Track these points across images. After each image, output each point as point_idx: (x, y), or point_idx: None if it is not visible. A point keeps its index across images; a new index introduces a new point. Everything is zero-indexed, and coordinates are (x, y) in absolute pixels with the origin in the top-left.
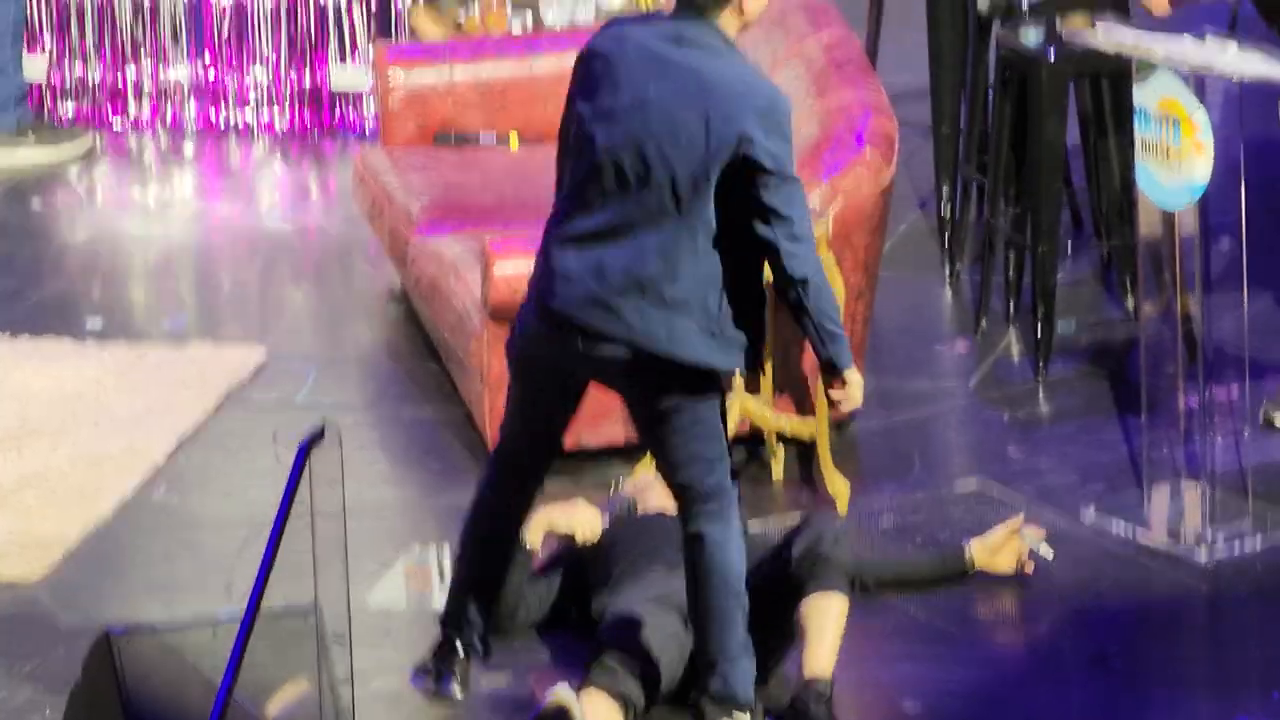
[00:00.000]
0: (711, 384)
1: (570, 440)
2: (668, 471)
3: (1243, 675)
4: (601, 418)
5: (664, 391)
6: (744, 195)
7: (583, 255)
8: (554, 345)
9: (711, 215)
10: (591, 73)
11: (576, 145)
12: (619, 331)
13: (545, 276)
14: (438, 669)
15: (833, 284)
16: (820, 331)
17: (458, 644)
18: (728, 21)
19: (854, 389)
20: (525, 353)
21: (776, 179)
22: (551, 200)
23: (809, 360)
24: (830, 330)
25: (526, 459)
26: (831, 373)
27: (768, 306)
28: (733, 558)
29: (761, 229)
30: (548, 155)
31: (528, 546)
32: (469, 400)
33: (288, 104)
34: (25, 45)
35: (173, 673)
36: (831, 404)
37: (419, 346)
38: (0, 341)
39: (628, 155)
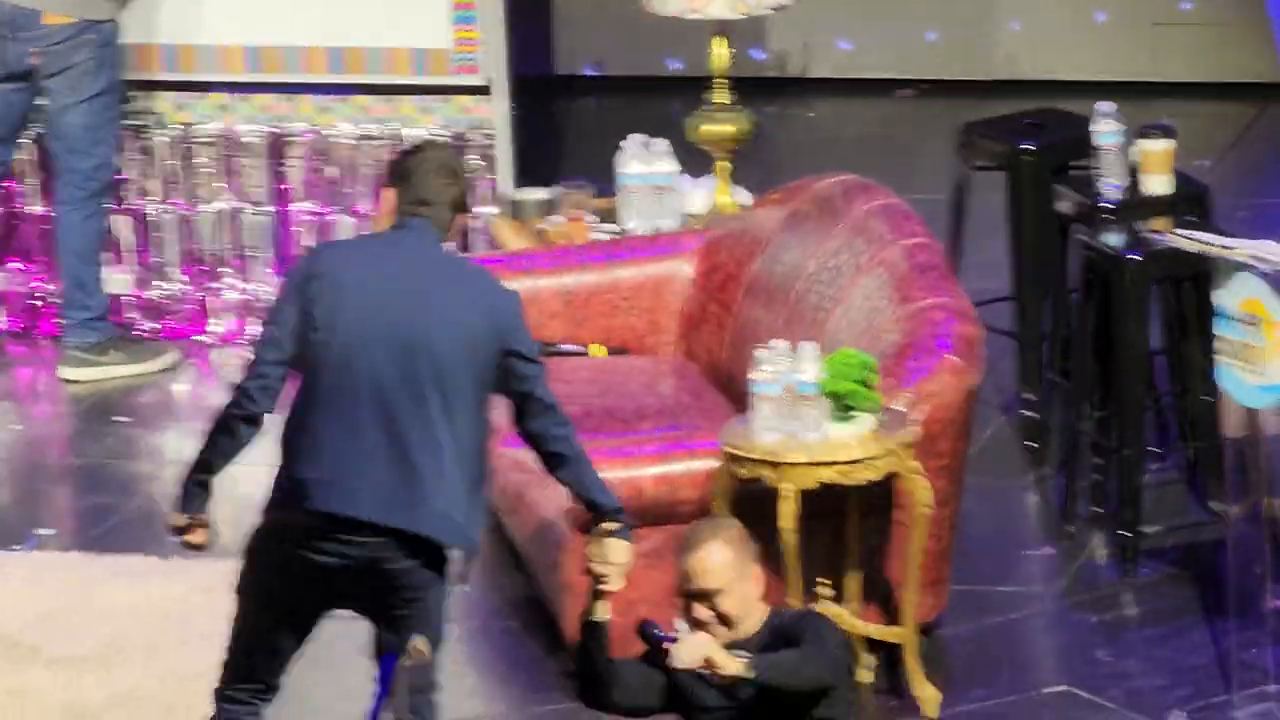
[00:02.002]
0: None
1: None
2: None
3: None
4: None
5: None
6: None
7: None
8: None
9: None
10: None
11: None
12: None
13: None
14: None
15: (917, 490)
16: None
17: None
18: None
19: (619, 548)
20: None
21: None
22: (637, 407)
23: (895, 567)
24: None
25: None
26: (607, 517)
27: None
28: None
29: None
30: (630, 364)
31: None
32: (555, 610)
33: None
34: (110, 259)
35: None
36: (597, 577)
37: (504, 556)
38: (87, 559)
39: None
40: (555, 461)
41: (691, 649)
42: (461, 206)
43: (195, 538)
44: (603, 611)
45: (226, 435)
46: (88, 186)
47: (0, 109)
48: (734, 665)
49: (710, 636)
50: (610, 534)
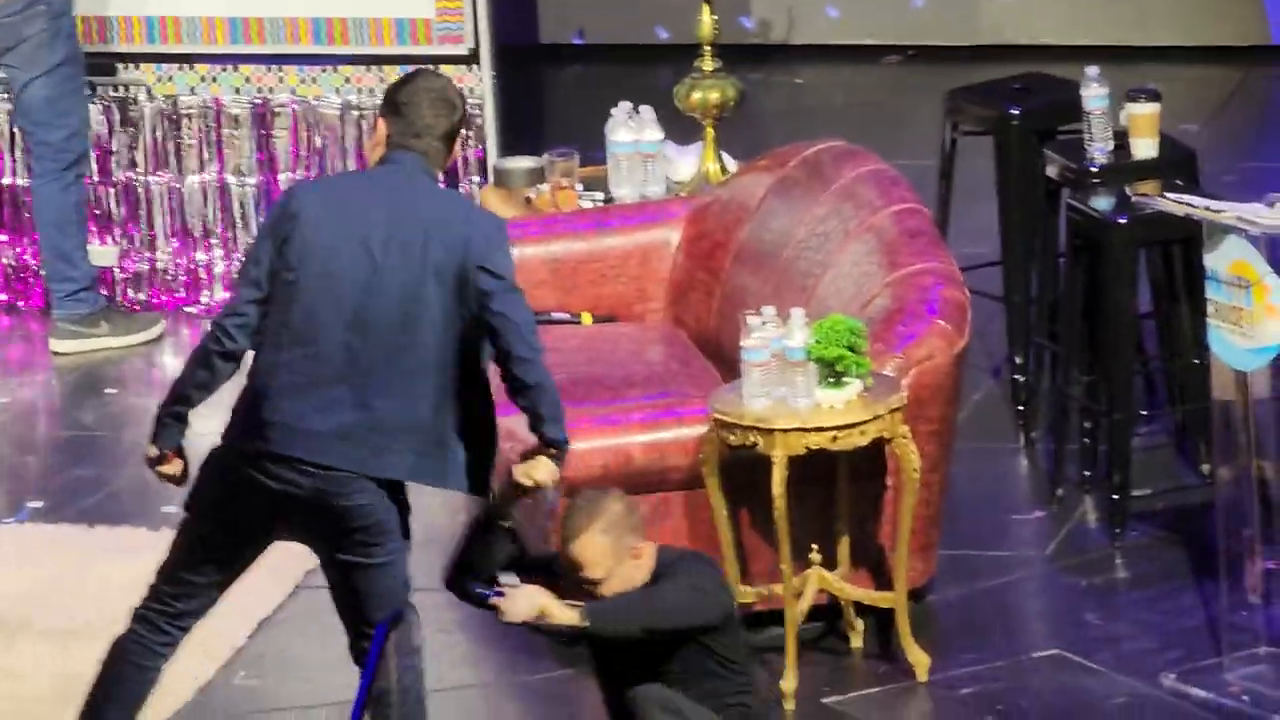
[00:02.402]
0: None
1: None
2: None
3: None
4: None
5: None
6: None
7: None
8: None
9: None
10: None
11: None
12: None
13: None
14: None
15: (906, 455)
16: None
17: None
18: None
19: (545, 466)
20: None
21: None
22: (626, 375)
23: (885, 532)
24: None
25: None
26: (551, 448)
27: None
28: None
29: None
30: (618, 331)
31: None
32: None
33: None
34: (97, 234)
35: None
36: (521, 490)
37: None
38: (78, 531)
39: None
40: (514, 385)
41: (523, 602)
42: (453, 138)
43: (169, 468)
44: (507, 520)
45: (204, 369)
46: (61, 159)
47: None
48: (566, 615)
49: (539, 587)
50: (542, 454)
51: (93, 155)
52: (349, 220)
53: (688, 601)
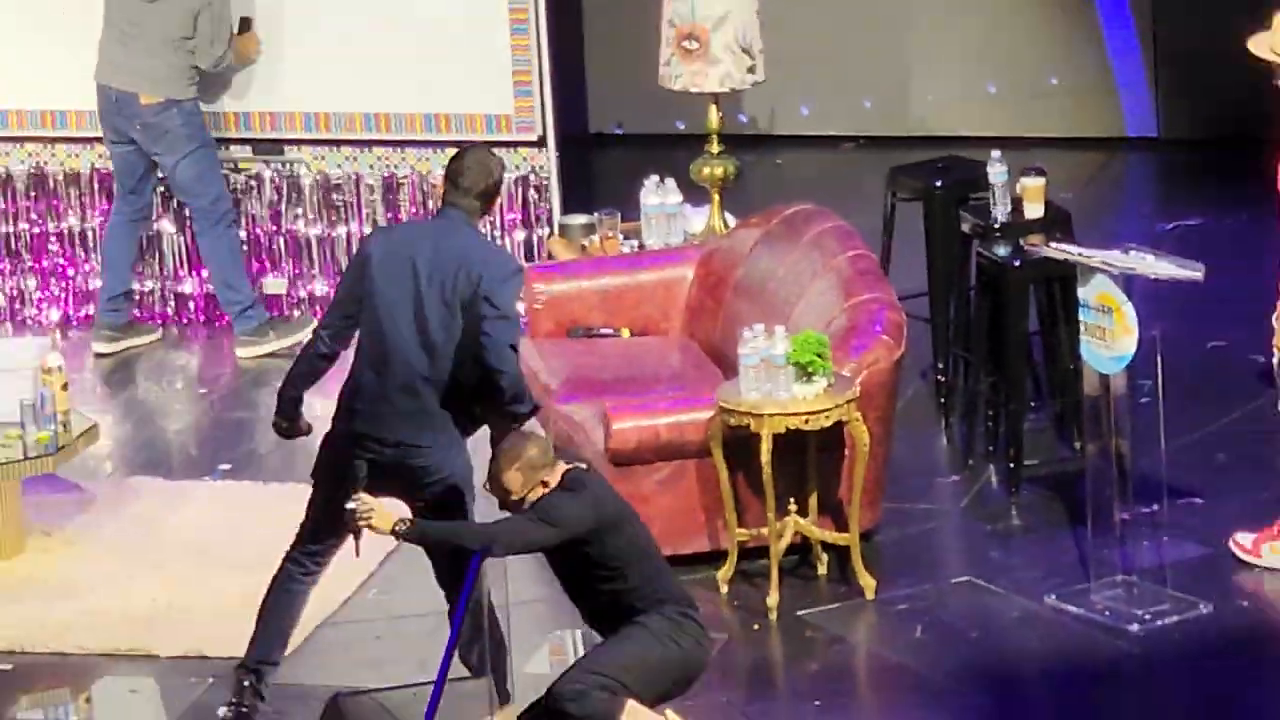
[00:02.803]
0: None
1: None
2: None
3: (1170, 716)
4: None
5: None
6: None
7: None
8: None
9: None
10: None
11: None
12: None
13: None
14: (239, 709)
15: (859, 434)
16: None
17: (260, 686)
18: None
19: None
20: None
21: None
22: (654, 374)
23: (843, 490)
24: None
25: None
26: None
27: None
28: None
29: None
30: (649, 342)
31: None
32: None
33: None
34: (270, 270)
35: None
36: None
37: None
38: (255, 487)
39: None
40: (494, 382)
41: (369, 512)
42: (490, 196)
43: (292, 431)
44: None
45: (306, 365)
46: (211, 217)
47: (123, 164)
48: (384, 524)
49: (375, 504)
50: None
51: (264, 210)
52: (403, 260)
53: (508, 527)
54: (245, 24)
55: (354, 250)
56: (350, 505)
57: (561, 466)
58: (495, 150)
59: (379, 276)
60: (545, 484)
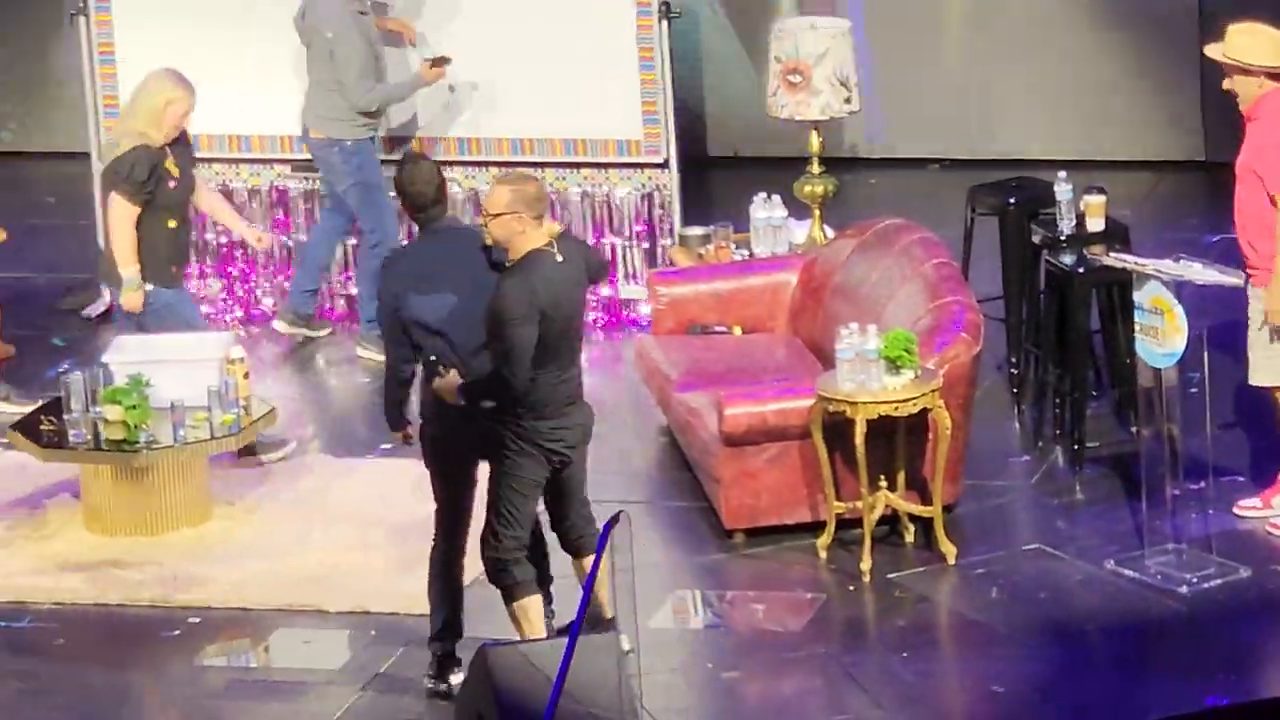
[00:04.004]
0: None
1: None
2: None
3: (1213, 666)
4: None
5: None
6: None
7: None
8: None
9: None
10: None
11: None
12: None
13: None
14: (442, 673)
15: (941, 419)
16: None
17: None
18: None
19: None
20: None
21: None
22: (763, 366)
23: (927, 468)
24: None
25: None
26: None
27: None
28: None
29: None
30: (758, 338)
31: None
32: (710, 496)
33: (595, 309)
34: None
35: (526, 674)
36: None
37: (678, 462)
38: (410, 464)
39: None
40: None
41: (438, 383)
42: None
43: (405, 437)
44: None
45: (393, 385)
46: (369, 241)
47: (323, 183)
48: (446, 390)
49: (450, 379)
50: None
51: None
52: (444, 281)
53: (503, 356)
54: (440, 61)
55: None
56: (436, 383)
57: (548, 229)
58: (624, 171)
59: (430, 299)
60: (521, 233)
